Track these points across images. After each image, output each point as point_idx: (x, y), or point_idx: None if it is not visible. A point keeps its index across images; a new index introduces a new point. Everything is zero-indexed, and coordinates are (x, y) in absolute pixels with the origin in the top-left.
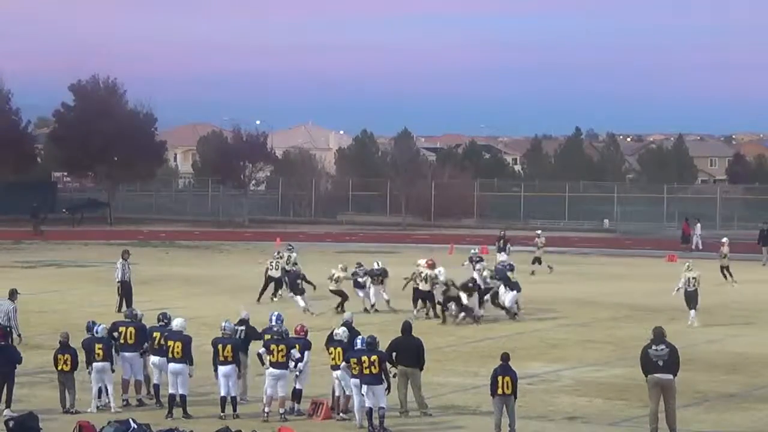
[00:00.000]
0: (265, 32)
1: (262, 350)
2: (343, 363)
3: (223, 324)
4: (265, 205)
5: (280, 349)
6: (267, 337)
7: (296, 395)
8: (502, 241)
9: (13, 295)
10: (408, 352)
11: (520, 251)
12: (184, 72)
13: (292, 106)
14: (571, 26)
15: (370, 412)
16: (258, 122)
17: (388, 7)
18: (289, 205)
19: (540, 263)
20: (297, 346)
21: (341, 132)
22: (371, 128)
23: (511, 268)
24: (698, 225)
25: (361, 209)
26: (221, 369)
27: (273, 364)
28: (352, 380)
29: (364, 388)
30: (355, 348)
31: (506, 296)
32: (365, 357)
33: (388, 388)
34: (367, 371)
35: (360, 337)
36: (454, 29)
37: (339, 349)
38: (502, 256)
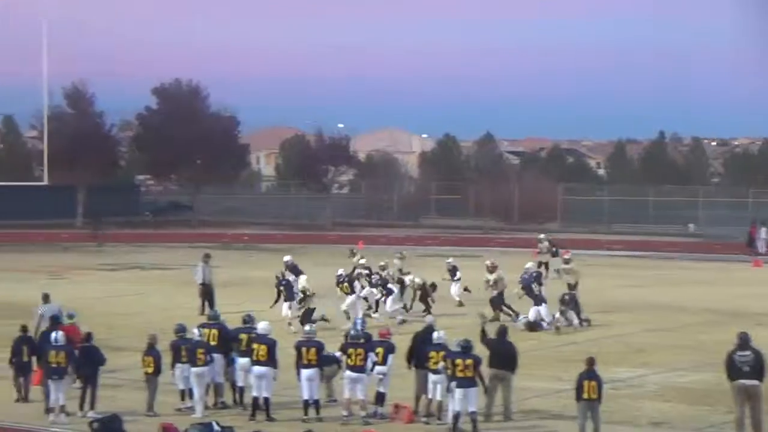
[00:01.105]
0: (348, 35)
1: (338, 353)
2: (441, 364)
3: (306, 327)
4: (347, 208)
5: (357, 352)
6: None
7: (379, 398)
8: (553, 247)
9: (46, 299)
10: (503, 355)
11: (601, 256)
12: (268, 75)
13: (375, 109)
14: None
15: (458, 416)
16: (341, 126)
17: (470, 10)
18: (371, 208)
19: (547, 268)
20: (380, 349)
21: (424, 136)
22: (454, 132)
23: (537, 278)
24: (764, 229)
25: (444, 212)
26: (304, 372)
27: (350, 367)
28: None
29: (458, 391)
30: (451, 350)
31: (530, 309)
32: (460, 360)
33: (486, 391)
34: (461, 374)
35: (455, 340)
36: (535, 32)
37: (442, 352)
38: (555, 262)
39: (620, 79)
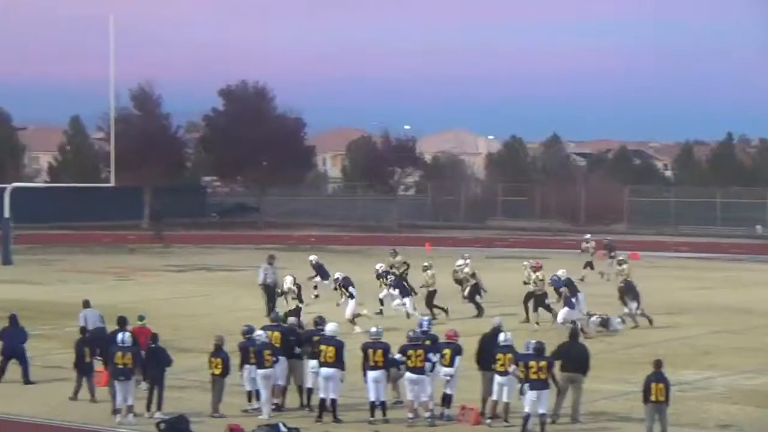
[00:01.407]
0: (416, 36)
1: (398, 355)
2: (513, 367)
3: (373, 329)
4: (414, 209)
5: (417, 354)
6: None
7: (446, 400)
8: (611, 250)
9: (87, 305)
10: (575, 357)
11: (668, 258)
12: (334, 76)
13: (441, 111)
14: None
15: (528, 418)
16: (407, 127)
17: (536, 11)
18: (438, 209)
19: (592, 268)
20: (447, 351)
21: (490, 137)
22: (521, 133)
23: (567, 284)
24: None
25: (510, 214)
26: (371, 374)
27: (410, 369)
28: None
29: (531, 393)
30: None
31: (560, 312)
32: (533, 362)
33: (559, 393)
34: (534, 376)
35: (527, 341)
36: (602, 33)
37: (509, 355)
38: (612, 265)
39: (688, 81)
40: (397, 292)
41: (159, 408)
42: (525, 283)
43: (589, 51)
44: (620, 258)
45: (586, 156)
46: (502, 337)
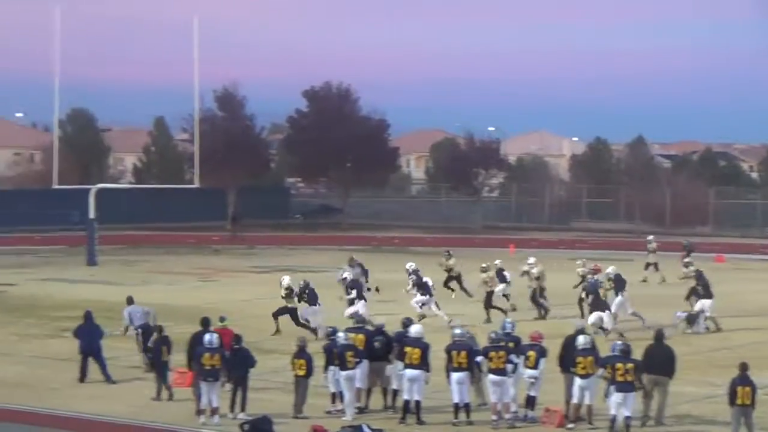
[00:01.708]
0: (500, 38)
1: (480, 358)
2: (601, 370)
3: (457, 330)
4: (498, 211)
5: (499, 355)
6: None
7: (530, 402)
8: (690, 251)
9: (130, 301)
10: (660, 360)
11: (754, 260)
12: (418, 78)
13: (525, 112)
14: None
15: (614, 420)
16: (491, 128)
17: (619, 13)
18: (522, 211)
19: (657, 269)
20: (532, 353)
21: (575, 139)
22: (605, 135)
23: (616, 279)
24: None
25: (595, 216)
26: (454, 375)
27: (492, 371)
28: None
29: (617, 395)
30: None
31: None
32: (620, 364)
33: (645, 396)
34: (621, 378)
35: (614, 343)
36: (686, 33)
37: (590, 358)
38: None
39: None
40: (416, 291)
41: (243, 409)
42: (581, 282)
43: (673, 51)
44: (686, 260)
45: (671, 158)
46: (581, 339)
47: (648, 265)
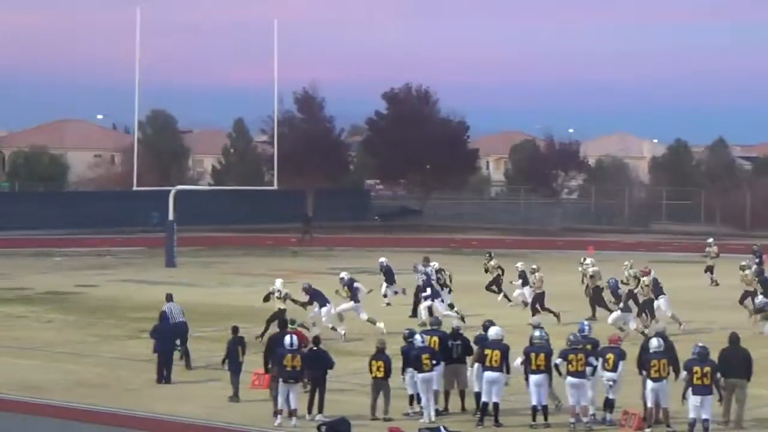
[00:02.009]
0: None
1: (559, 360)
2: (684, 373)
3: (536, 333)
4: (577, 213)
5: (578, 358)
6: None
7: (608, 405)
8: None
9: (169, 299)
10: (737, 363)
11: None
12: (497, 80)
13: (605, 114)
14: None
15: (693, 423)
16: (571, 130)
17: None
18: (601, 213)
19: (712, 272)
20: (611, 355)
21: (655, 141)
22: (685, 137)
23: (654, 284)
24: None
25: (674, 218)
26: (533, 378)
27: (571, 373)
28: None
29: (694, 398)
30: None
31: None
32: (698, 367)
33: (721, 399)
34: (698, 381)
35: (694, 346)
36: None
37: (663, 360)
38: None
39: None
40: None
41: (320, 410)
42: (624, 283)
43: (756, 51)
44: (743, 263)
45: (752, 160)
46: (654, 343)
47: (707, 268)
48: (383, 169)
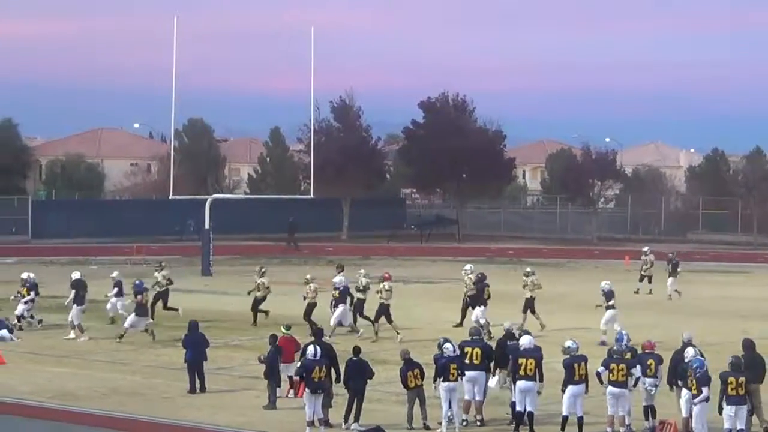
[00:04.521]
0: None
1: (601, 369)
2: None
3: (570, 344)
4: (613, 222)
5: (620, 368)
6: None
7: (650, 412)
8: None
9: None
10: (754, 368)
11: None
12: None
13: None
14: None
15: None
16: (607, 140)
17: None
18: (638, 222)
19: (650, 281)
20: (651, 361)
21: (691, 150)
22: (722, 146)
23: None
24: None
25: (711, 228)
26: (572, 388)
27: (612, 383)
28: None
29: (728, 408)
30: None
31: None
32: (732, 378)
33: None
34: (733, 392)
35: (728, 357)
36: None
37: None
38: None
39: None
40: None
41: (357, 419)
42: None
43: None
44: None
45: None
46: (690, 351)
47: (643, 278)
48: (419, 178)
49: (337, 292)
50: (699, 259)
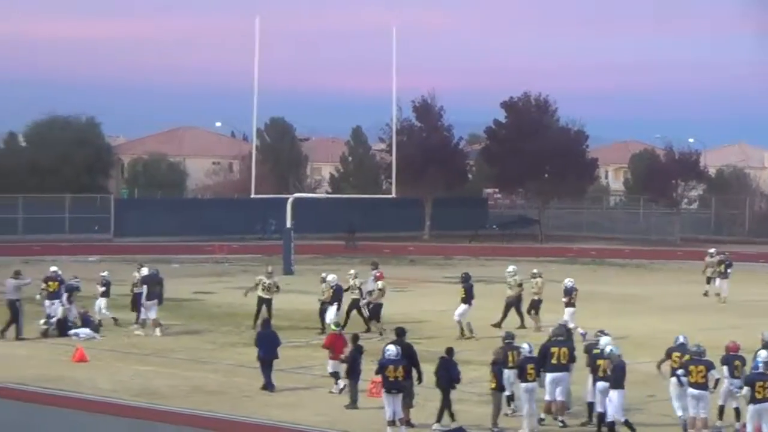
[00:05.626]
0: (698, 50)
1: (681, 371)
2: (746, 389)
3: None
4: (697, 223)
5: (699, 369)
6: (676, 355)
7: (736, 413)
8: None
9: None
10: None
11: None
12: (617, 89)
13: (725, 124)
14: None
15: None
16: (691, 140)
17: None
18: (722, 224)
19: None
20: (738, 362)
21: None
22: None
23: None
24: None
25: None
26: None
27: (692, 385)
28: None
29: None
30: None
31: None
32: (761, 382)
33: None
34: (759, 396)
35: (756, 360)
36: None
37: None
38: None
39: None
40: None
41: (438, 420)
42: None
43: None
44: None
45: None
46: (764, 354)
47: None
48: (501, 177)
49: (331, 290)
50: None
